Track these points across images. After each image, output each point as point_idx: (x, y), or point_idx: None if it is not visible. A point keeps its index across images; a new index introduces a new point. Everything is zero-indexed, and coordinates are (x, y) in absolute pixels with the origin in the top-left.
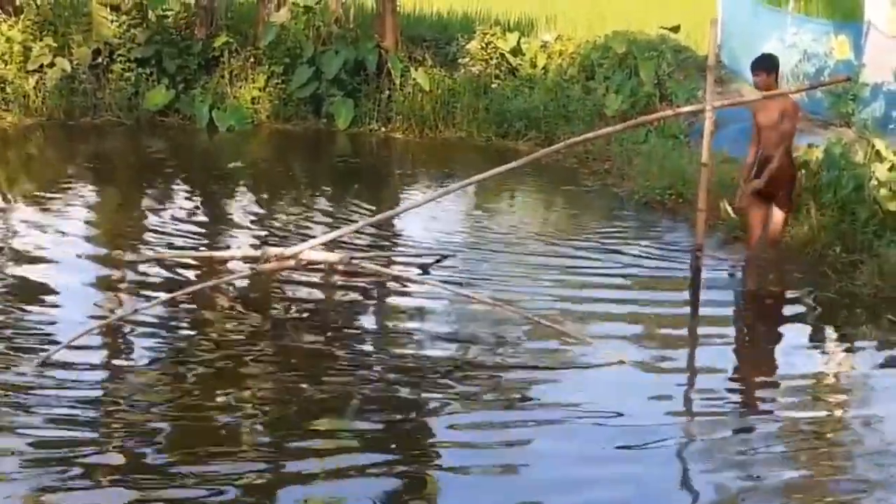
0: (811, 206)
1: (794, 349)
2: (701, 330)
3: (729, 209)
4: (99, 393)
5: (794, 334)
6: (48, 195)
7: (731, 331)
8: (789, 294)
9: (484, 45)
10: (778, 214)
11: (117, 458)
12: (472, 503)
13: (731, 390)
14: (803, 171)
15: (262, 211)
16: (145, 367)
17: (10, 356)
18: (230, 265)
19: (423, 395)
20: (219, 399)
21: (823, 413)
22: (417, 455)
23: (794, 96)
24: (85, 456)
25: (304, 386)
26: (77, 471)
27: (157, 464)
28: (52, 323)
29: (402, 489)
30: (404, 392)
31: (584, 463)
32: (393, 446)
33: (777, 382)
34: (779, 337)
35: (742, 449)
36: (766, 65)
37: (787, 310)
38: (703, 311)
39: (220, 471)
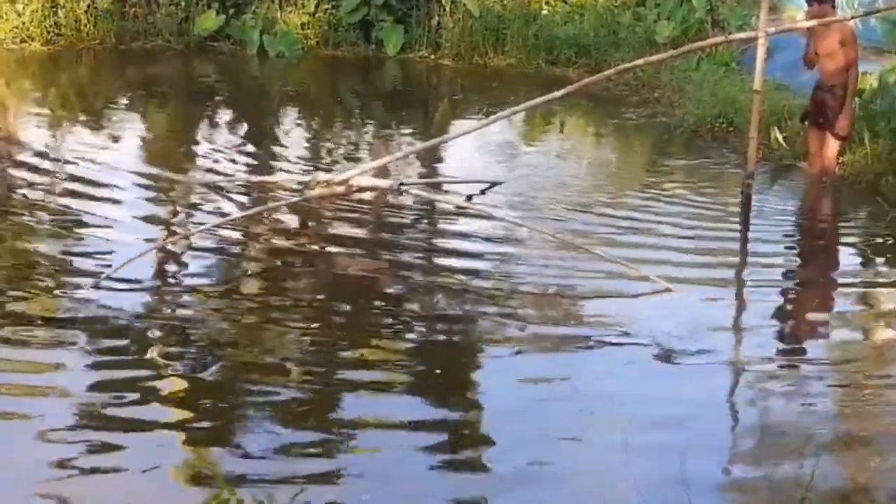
0: (865, 135)
1: (844, 278)
2: (750, 259)
3: (780, 137)
4: (151, 313)
5: (845, 263)
6: (99, 119)
7: (781, 260)
8: (841, 223)
9: None
10: (831, 142)
11: (171, 381)
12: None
13: (781, 317)
14: (857, 100)
15: (311, 137)
16: (194, 288)
17: (66, 278)
18: (279, 191)
19: (470, 318)
20: (266, 324)
21: (873, 342)
22: (463, 372)
23: (850, 23)
24: (139, 375)
25: (352, 309)
26: (131, 386)
27: (207, 383)
28: (106, 245)
29: (450, 405)
30: (451, 314)
31: (630, 381)
32: (438, 370)
33: (826, 311)
34: (829, 266)
35: (791, 373)
36: None
37: (839, 238)
38: (752, 239)
39: (271, 390)
